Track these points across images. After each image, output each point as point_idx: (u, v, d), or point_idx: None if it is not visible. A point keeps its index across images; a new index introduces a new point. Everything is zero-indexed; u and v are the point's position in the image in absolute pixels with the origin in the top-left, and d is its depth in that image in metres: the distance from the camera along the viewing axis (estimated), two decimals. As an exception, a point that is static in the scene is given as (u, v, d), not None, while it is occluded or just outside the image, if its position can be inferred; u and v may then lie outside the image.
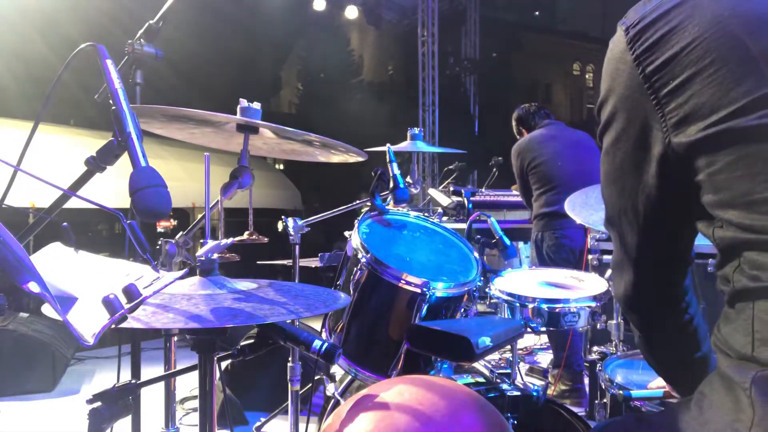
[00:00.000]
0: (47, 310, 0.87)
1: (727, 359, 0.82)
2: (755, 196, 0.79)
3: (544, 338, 4.07)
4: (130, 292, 0.75)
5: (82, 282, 0.89)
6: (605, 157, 0.99)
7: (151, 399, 1.98)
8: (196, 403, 3.22)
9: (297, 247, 2.01)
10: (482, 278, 1.79)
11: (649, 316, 1.05)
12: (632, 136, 0.92)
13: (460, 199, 4.38)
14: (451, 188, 4.55)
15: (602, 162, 1.01)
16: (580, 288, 1.91)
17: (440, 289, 1.61)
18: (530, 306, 1.79)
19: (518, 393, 1.50)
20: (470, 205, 4.28)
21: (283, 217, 2.01)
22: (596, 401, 1.80)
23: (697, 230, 0.93)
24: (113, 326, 0.74)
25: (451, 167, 4.90)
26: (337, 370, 2.20)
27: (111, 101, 0.91)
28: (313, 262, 3.41)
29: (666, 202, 0.93)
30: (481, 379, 1.70)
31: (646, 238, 0.97)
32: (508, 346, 1.58)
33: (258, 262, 4.40)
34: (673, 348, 1.05)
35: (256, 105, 1.50)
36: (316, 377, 2.39)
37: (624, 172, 0.96)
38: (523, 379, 1.68)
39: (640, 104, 0.89)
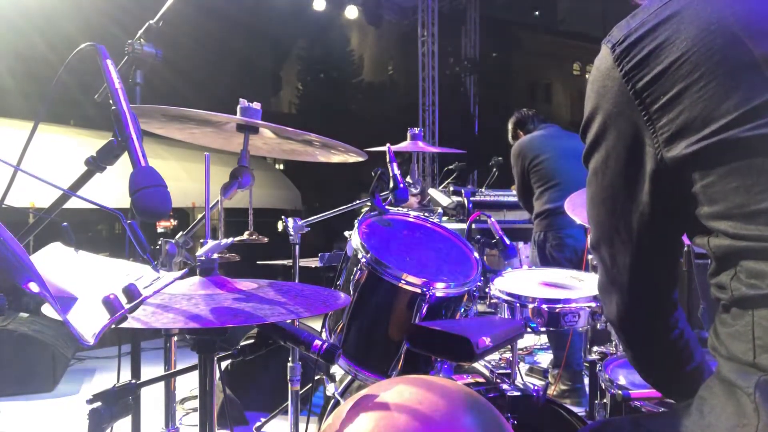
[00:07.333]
0: (47, 310, 0.87)
1: (728, 364, 0.82)
2: (751, 207, 0.79)
3: (544, 338, 4.07)
4: (130, 292, 0.75)
5: (82, 282, 0.89)
6: (593, 177, 0.97)
7: (151, 399, 1.98)
8: (196, 403, 3.22)
9: (297, 247, 2.01)
10: (482, 278, 1.79)
11: (641, 334, 1.03)
12: (623, 153, 0.91)
13: (460, 199, 4.38)
14: (451, 188, 4.55)
15: (589, 183, 0.99)
16: (580, 288, 1.91)
17: (440, 289, 1.61)
18: (530, 306, 1.78)
19: (518, 393, 1.50)
20: (470, 205, 4.30)
21: (283, 217, 2.01)
22: (596, 401, 1.80)
23: (684, 244, 0.93)
24: (113, 326, 0.74)
25: (451, 167, 4.89)
26: (337, 370, 2.20)
27: (111, 101, 0.91)
28: (313, 262, 3.42)
29: (660, 218, 0.92)
30: (481, 379, 1.70)
31: (639, 256, 0.95)
32: (508, 346, 1.58)
33: (258, 262, 4.41)
34: (665, 363, 1.04)
35: (256, 105, 1.50)
36: (316, 377, 2.39)
37: (615, 190, 0.94)
38: (523, 379, 1.68)
39: (631, 120, 0.88)
